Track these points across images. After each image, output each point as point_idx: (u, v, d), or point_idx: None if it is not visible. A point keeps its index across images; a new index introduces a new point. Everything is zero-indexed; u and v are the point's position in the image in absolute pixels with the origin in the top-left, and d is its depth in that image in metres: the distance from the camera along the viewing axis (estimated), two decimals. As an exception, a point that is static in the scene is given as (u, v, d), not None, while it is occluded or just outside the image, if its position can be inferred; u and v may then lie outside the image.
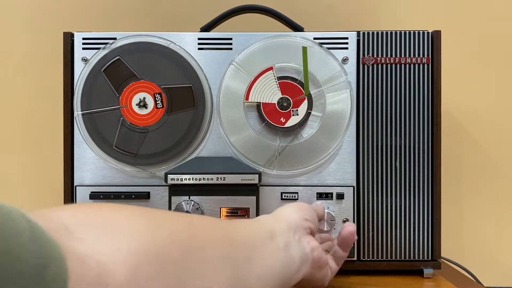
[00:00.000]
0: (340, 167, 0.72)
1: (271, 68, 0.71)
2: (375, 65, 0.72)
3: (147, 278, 0.31)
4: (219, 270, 0.39)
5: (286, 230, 0.51)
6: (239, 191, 0.69)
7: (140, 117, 0.70)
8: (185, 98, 0.71)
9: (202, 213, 0.69)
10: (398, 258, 0.72)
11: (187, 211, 0.68)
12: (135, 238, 0.33)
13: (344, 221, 0.71)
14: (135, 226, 0.34)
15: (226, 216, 0.69)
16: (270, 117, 0.71)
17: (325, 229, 0.70)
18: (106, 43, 0.71)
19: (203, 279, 0.36)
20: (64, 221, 0.30)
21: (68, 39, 0.72)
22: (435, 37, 0.72)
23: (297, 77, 0.71)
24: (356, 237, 0.61)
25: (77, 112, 0.71)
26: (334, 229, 0.71)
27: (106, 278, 0.29)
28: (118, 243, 0.31)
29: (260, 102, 0.71)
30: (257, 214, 0.69)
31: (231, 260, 0.41)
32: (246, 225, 0.49)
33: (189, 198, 0.69)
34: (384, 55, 0.72)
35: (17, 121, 0.99)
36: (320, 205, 0.68)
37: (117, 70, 0.70)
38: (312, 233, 0.56)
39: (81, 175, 0.72)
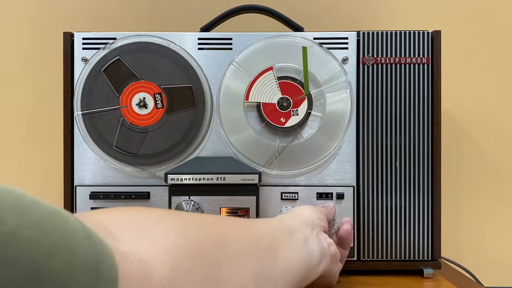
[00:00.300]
0: (340, 167, 0.72)
1: (271, 68, 0.71)
2: (375, 65, 0.72)
3: (185, 271, 0.34)
4: (246, 263, 0.41)
5: (304, 227, 0.53)
6: (239, 191, 0.69)
7: (140, 117, 0.70)
8: (185, 98, 0.71)
9: (202, 213, 0.69)
10: (398, 258, 0.72)
11: (187, 211, 0.68)
12: (169, 235, 0.35)
13: (344, 221, 0.71)
14: (167, 225, 0.37)
15: (226, 215, 0.69)
16: (270, 117, 0.71)
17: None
18: (106, 43, 0.71)
19: (232, 271, 0.39)
20: (104, 223, 0.32)
21: (68, 39, 0.72)
22: (435, 37, 0.72)
23: (297, 77, 0.71)
24: (351, 237, 0.64)
25: (77, 112, 0.71)
26: (334, 229, 0.71)
27: (150, 272, 0.31)
28: (155, 240, 0.34)
29: (260, 102, 0.71)
30: (257, 214, 0.69)
31: (255, 254, 0.43)
32: (266, 222, 0.52)
33: (189, 198, 0.69)
34: (384, 55, 0.72)
35: (17, 121, 0.99)
36: (332, 207, 0.69)
37: (117, 70, 0.70)
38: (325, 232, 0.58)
39: (81, 175, 0.72)
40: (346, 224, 0.63)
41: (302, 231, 0.52)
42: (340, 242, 0.62)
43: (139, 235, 0.34)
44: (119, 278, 0.28)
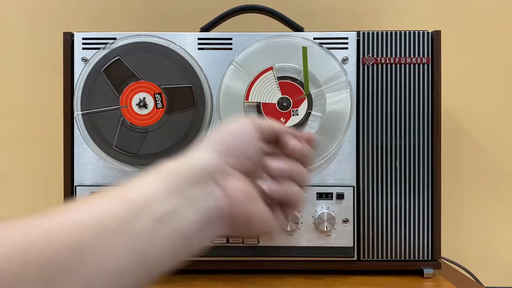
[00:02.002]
0: (340, 167, 0.72)
1: (271, 68, 0.71)
2: (375, 65, 0.72)
3: None
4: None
5: (172, 192, 0.36)
6: (239, 191, 0.69)
7: (140, 117, 0.70)
8: (185, 98, 0.71)
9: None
10: (398, 258, 0.72)
11: None
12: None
13: (344, 221, 0.71)
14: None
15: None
16: (270, 117, 0.71)
17: (325, 229, 0.70)
18: (106, 43, 0.71)
19: None
20: None
21: (68, 39, 0.72)
22: (435, 37, 0.72)
23: (297, 77, 0.71)
24: (312, 136, 0.47)
25: (77, 112, 0.71)
26: (334, 229, 0.71)
27: None
28: None
29: (260, 102, 0.71)
30: (257, 214, 0.69)
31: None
32: (95, 204, 0.35)
33: (189, 198, 0.69)
34: (384, 55, 0.72)
35: (17, 121, 0.99)
36: (270, 121, 0.47)
37: (117, 70, 0.70)
38: (246, 168, 0.41)
39: (81, 175, 0.72)
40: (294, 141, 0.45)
41: (162, 202, 0.36)
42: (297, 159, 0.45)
43: None
44: None
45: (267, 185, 0.43)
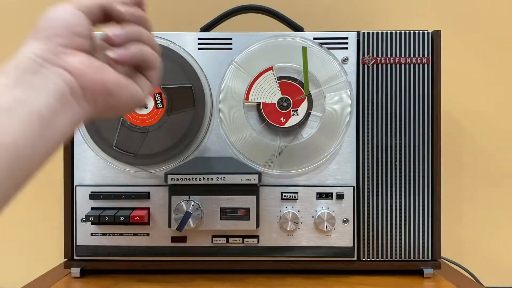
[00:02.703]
0: (340, 167, 0.72)
1: (271, 68, 0.71)
2: (375, 65, 0.72)
3: None
4: None
5: (19, 81, 0.37)
6: (239, 191, 0.69)
7: (140, 117, 0.70)
8: (185, 98, 0.71)
9: (202, 213, 0.69)
10: (398, 258, 0.72)
11: (187, 211, 0.68)
12: None
13: (344, 221, 0.71)
14: None
15: (226, 215, 0.69)
16: (270, 117, 0.71)
17: (325, 229, 0.70)
18: (106, 43, 0.71)
19: None
20: None
21: (68, 39, 0.72)
22: (435, 37, 0.72)
23: (297, 77, 0.71)
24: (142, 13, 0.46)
25: (77, 112, 0.71)
26: (334, 229, 0.71)
27: None
28: None
29: (260, 102, 0.71)
30: (257, 214, 0.69)
31: None
32: None
33: (189, 198, 0.69)
34: (384, 55, 0.72)
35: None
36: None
37: (117, 70, 0.70)
38: (79, 44, 0.41)
39: (81, 175, 0.72)
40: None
41: (6, 95, 0.36)
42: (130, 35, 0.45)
43: None
44: None
45: (113, 52, 0.43)
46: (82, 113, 0.39)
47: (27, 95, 0.36)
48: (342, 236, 0.71)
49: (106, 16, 0.43)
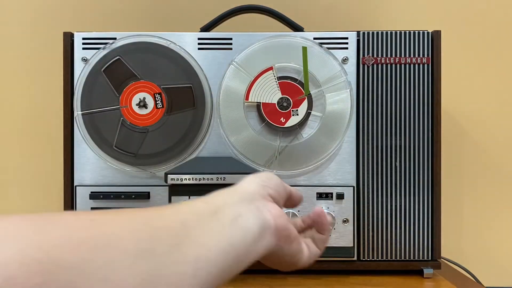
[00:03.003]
0: (340, 167, 0.72)
1: (271, 68, 0.71)
2: (375, 65, 0.72)
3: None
4: (129, 267, 0.34)
5: (237, 202, 0.46)
6: (239, 191, 0.69)
7: (140, 117, 0.70)
8: (185, 98, 0.71)
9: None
10: (398, 258, 0.72)
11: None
12: (12, 246, 0.29)
13: (344, 221, 0.71)
14: (19, 232, 0.31)
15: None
16: (270, 117, 0.71)
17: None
18: (106, 43, 0.71)
19: (104, 283, 0.32)
20: None
21: (68, 39, 0.72)
22: (435, 37, 0.72)
23: (297, 77, 0.71)
24: (329, 219, 0.59)
25: (77, 112, 0.71)
26: (334, 229, 0.71)
27: None
28: None
29: (260, 102, 0.71)
30: (257, 214, 0.69)
31: (147, 253, 0.36)
32: (183, 207, 0.44)
33: (189, 198, 0.69)
34: (384, 55, 0.72)
35: (17, 121, 0.99)
36: (297, 191, 0.58)
37: (117, 70, 0.70)
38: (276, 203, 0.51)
39: (81, 175, 0.72)
40: (317, 206, 0.58)
41: (232, 207, 0.45)
42: (314, 224, 0.56)
43: None
44: None
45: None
46: (270, 246, 0.47)
47: (245, 214, 0.46)
48: (342, 236, 0.71)
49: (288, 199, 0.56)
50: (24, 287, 0.28)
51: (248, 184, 0.50)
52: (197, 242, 0.40)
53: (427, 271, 0.71)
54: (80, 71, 0.71)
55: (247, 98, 0.71)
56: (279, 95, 0.71)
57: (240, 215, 0.45)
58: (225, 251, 0.42)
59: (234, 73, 0.71)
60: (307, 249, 0.53)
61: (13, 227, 0.31)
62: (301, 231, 0.57)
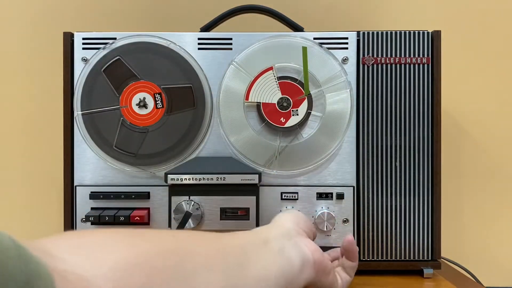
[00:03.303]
0: (340, 167, 0.72)
1: (271, 68, 0.71)
2: (375, 65, 0.72)
3: None
4: (208, 277, 0.39)
5: (280, 236, 0.52)
6: (239, 191, 0.69)
7: (140, 117, 0.70)
8: (185, 98, 0.71)
9: (202, 213, 0.69)
10: (398, 258, 0.72)
11: (187, 211, 0.68)
12: (117, 253, 0.34)
13: (344, 221, 0.71)
14: (117, 243, 0.36)
15: (226, 215, 0.69)
16: (270, 117, 0.71)
17: (325, 229, 0.70)
18: (106, 43, 0.71)
19: (194, 287, 0.37)
20: (46, 246, 0.31)
21: (68, 39, 0.72)
22: (435, 37, 0.72)
23: (297, 77, 0.71)
24: (356, 248, 0.62)
25: (77, 112, 0.71)
26: (334, 229, 0.71)
27: None
28: (98, 259, 0.33)
29: (260, 102, 0.71)
30: (257, 214, 0.69)
31: (221, 267, 0.41)
32: (236, 235, 0.50)
33: (189, 198, 0.69)
34: (384, 55, 0.72)
35: (17, 121, 0.99)
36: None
37: (117, 70, 0.70)
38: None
39: (81, 175, 0.72)
40: (349, 235, 0.62)
41: (277, 240, 0.51)
42: (344, 253, 0.61)
43: (84, 254, 0.33)
44: None
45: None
46: (310, 278, 0.52)
47: (287, 248, 0.51)
48: (342, 236, 0.71)
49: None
50: (129, 286, 0.32)
51: (284, 221, 0.56)
52: (256, 265, 0.45)
53: (427, 271, 0.71)
54: (80, 71, 0.71)
55: (247, 98, 0.71)
56: (279, 95, 0.71)
57: (284, 247, 0.50)
58: (277, 275, 0.47)
59: (234, 73, 0.71)
60: (340, 278, 0.58)
61: (111, 240, 0.36)
62: (332, 260, 0.62)
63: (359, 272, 0.72)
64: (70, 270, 0.30)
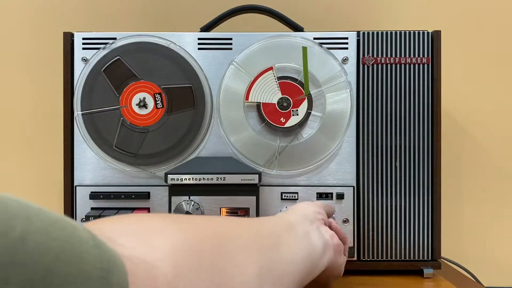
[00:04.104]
0: (340, 167, 0.72)
1: (271, 68, 0.71)
2: (375, 65, 0.72)
3: (188, 269, 0.35)
4: (249, 258, 0.42)
5: (303, 221, 0.55)
6: (239, 191, 0.69)
7: (140, 117, 0.70)
8: (185, 98, 0.71)
9: (202, 213, 0.69)
10: (398, 258, 0.72)
11: (187, 211, 0.68)
12: (168, 236, 0.37)
13: (344, 221, 0.71)
14: (166, 227, 0.39)
15: (226, 215, 0.69)
16: (270, 117, 0.71)
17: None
18: (106, 43, 0.71)
19: (236, 267, 0.40)
20: (106, 232, 0.33)
21: (68, 39, 0.72)
22: (435, 37, 0.72)
23: (297, 77, 0.71)
24: (344, 234, 0.64)
25: (77, 112, 0.71)
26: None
27: (154, 272, 0.32)
28: (155, 243, 0.35)
29: (260, 102, 0.71)
30: (257, 214, 0.69)
31: (258, 249, 0.44)
32: (266, 220, 0.54)
33: (189, 198, 0.69)
34: (384, 55, 0.72)
35: (17, 121, 0.99)
36: (332, 206, 0.70)
37: (117, 70, 0.70)
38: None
39: (81, 175, 0.72)
40: (333, 223, 0.64)
41: (302, 225, 0.54)
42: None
43: (139, 239, 0.35)
44: (130, 285, 0.29)
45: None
46: (331, 260, 0.55)
47: (311, 232, 0.54)
48: (342, 236, 0.71)
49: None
50: (186, 267, 0.35)
51: (305, 206, 0.59)
52: (287, 248, 0.48)
53: (427, 271, 0.71)
54: (80, 71, 0.71)
55: (247, 98, 0.71)
56: (279, 95, 0.71)
57: (308, 232, 0.53)
58: (304, 259, 0.50)
59: (234, 73, 0.71)
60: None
61: (161, 224, 0.39)
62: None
63: (359, 272, 0.72)
64: (134, 255, 0.32)
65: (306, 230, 0.53)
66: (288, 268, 0.47)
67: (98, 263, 0.27)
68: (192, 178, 0.69)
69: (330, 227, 0.63)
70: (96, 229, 0.32)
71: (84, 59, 0.71)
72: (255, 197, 0.69)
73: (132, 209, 0.71)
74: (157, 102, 0.70)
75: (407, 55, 0.72)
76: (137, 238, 0.35)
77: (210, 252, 0.39)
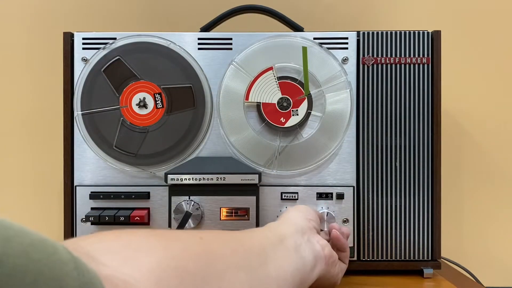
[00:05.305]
0: (340, 167, 0.72)
1: (271, 68, 0.71)
2: (375, 65, 0.72)
3: None
4: (235, 278, 0.41)
5: (294, 233, 0.54)
6: (239, 191, 0.69)
7: (140, 117, 0.70)
8: (185, 98, 0.71)
9: (202, 213, 0.69)
10: (398, 258, 0.72)
11: (187, 211, 0.68)
12: (152, 255, 0.36)
13: (344, 221, 0.71)
14: (150, 246, 0.37)
15: (226, 215, 0.69)
16: (270, 117, 0.71)
17: (325, 229, 0.70)
18: (106, 43, 0.71)
19: (220, 287, 0.39)
20: (89, 251, 0.33)
21: (68, 39, 0.72)
22: (435, 37, 0.72)
23: (297, 77, 0.71)
24: (347, 231, 0.64)
25: (77, 112, 0.71)
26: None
27: None
28: (138, 262, 0.34)
29: (260, 102, 0.71)
30: (257, 214, 0.69)
31: (245, 267, 0.43)
32: (255, 233, 0.52)
33: (189, 198, 0.69)
34: (384, 55, 0.72)
35: (17, 121, 0.99)
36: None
37: (117, 70, 0.70)
38: (317, 233, 0.59)
39: (81, 175, 0.72)
40: (333, 229, 0.64)
41: (292, 237, 0.53)
42: (334, 246, 0.62)
43: (122, 258, 0.34)
44: None
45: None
46: (321, 272, 0.55)
47: (302, 245, 0.53)
48: (342, 236, 0.71)
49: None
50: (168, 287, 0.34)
51: (295, 216, 0.58)
52: (275, 264, 0.47)
53: (427, 271, 0.71)
54: (80, 71, 0.71)
55: (247, 98, 0.71)
56: (279, 95, 0.71)
57: (299, 245, 0.53)
58: (294, 274, 0.49)
59: (234, 73, 0.71)
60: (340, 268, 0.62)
61: (145, 241, 0.38)
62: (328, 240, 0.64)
63: (359, 272, 0.72)
64: (114, 275, 0.31)
65: (297, 243, 0.53)
66: (276, 285, 0.46)
67: (78, 286, 0.27)
68: (192, 178, 0.69)
69: (330, 234, 0.63)
70: (78, 248, 0.31)
71: (84, 59, 0.71)
72: (255, 197, 0.69)
73: (132, 209, 0.71)
74: (157, 102, 0.70)
75: (407, 55, 0.72)
76: (119, 257, 0.34)
77: (194, 274, 0.37)
